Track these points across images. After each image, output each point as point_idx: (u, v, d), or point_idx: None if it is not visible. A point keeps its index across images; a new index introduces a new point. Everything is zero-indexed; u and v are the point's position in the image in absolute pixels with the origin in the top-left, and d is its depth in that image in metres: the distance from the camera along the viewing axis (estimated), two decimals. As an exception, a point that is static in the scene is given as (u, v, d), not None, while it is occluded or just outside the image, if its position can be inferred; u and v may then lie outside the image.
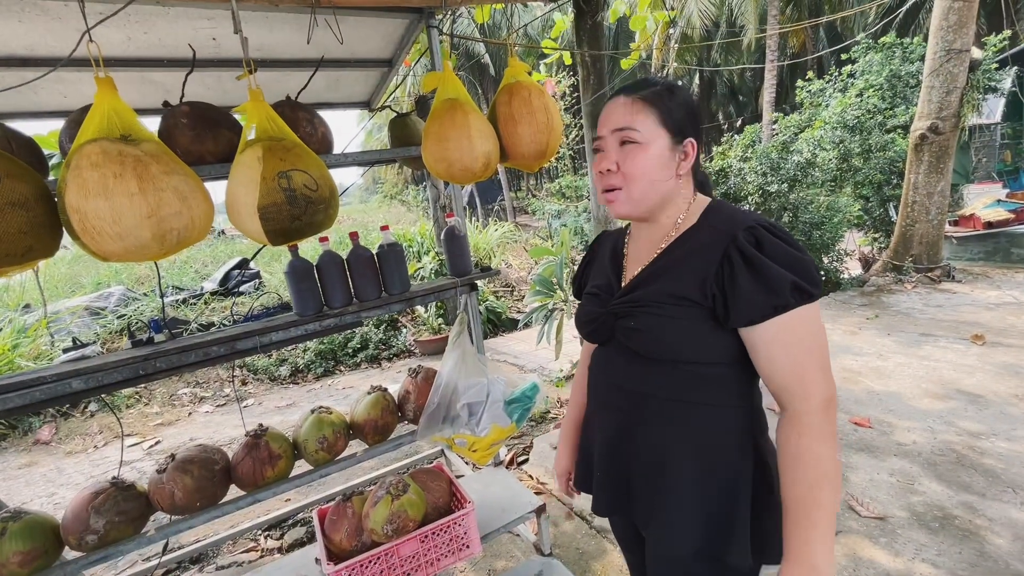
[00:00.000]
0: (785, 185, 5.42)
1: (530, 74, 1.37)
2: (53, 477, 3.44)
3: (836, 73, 7.73)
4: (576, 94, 11.56)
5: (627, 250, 1.04)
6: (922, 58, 6.43)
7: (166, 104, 1.44)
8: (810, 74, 8.19)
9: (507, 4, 1.54)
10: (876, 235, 6.36)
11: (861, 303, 4.98)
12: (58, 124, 2.26)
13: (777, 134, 7.46)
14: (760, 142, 7.31)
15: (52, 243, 0.86)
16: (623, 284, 0.98)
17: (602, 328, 0.98)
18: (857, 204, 6.03)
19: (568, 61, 3.63)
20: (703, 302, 0.83)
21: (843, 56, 7.72)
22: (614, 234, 1.12)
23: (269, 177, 0.87)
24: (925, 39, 5.84)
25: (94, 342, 4.72)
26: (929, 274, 5.41)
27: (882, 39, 7.11)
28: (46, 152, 1.37)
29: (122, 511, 1.41)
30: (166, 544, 2.16)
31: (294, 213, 0.90)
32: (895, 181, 6.10)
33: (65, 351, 1.46)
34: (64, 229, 0.83)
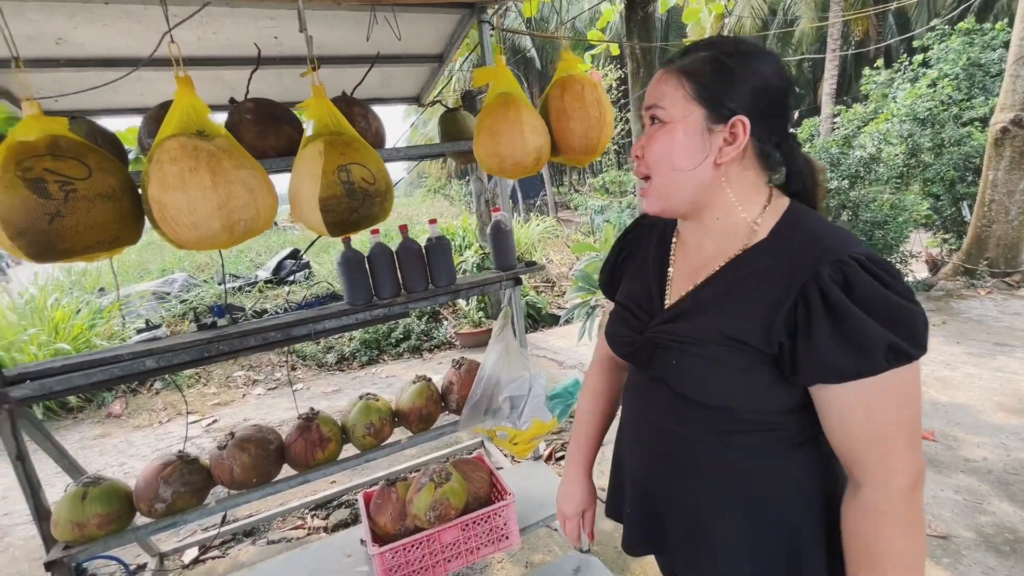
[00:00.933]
0: (846, 182, 5.14)
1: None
2: (123, 448, 3.71)
3: (906, 62, 7.23)
4: (623, 87, 11.35)
5: (675, 253, 0.84)
6: (1005, 45, 5.92)
7: (232, 101, 1.51)
8: (878, 63, 7.69)
9: (560, -3, 1.53)
10: (946, 236, 5.94)
11: (928, 308, 4.67)
12: (133, 120, 2.42)
13: (838, 128, 7.06)
14: (819, 136, 6.95)
15: (136, 231, 0.93)
16: (667, 302, 0.80)
17: (638, 355, 0.82)
18: (925, 202, 5.64)
19: (616, 52, 3.56)
20: (765, 348, 0.67)
21: (914, 44, 7.21)
22: (662, 223, 0.89)
23: (330, 171, 0.90)
24: (1010, 24, 5.37)
25: (159, 325, 5.05)
26: (1006, 279, 5.00)
27: (960, 24, 6.59)
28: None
29: (187, 482, 1.51)
30: (224, 516, 2.30)
31: (352, 205, 0.94)
32: (970, 178, 5.66)
33: (139, 332, 1.57)
34: (146, 218, 0.90)
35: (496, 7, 1.67)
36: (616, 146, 13.64)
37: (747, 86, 0.68)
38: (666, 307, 0.79)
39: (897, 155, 5.80)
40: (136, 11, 1.43)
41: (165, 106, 1.38)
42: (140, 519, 1.51)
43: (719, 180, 0.71)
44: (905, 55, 7.49)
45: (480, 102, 3.57)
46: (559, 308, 6.28)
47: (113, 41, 1.58)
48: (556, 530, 2.15)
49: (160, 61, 1.56)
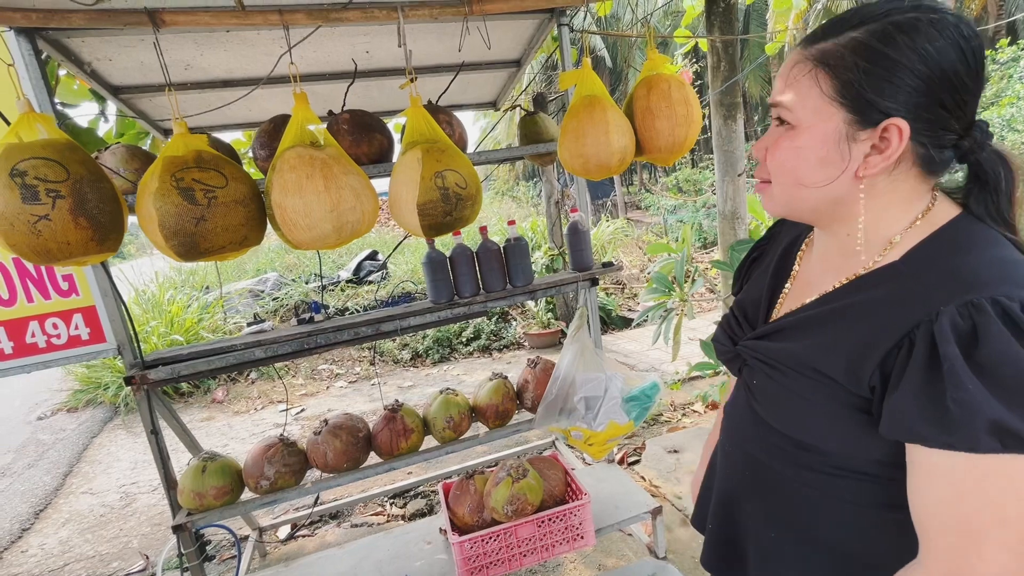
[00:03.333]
0: (960, 174, 4.63)
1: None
2: (225, 431, 4.11)
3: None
4: (699, 82, 10.92)
5: (800, 263, 0.74)
6: None
7: (330, 113, 1.64)
8: (1002, 42, 6.85)
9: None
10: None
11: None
12: (235, 135, 2.67)
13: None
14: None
15: (260, 233, 1.05)
16: (773, 314, 0.73)
17: (732, 364, 0.77)
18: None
19: (705, 47, 3.45)
20: (852, 387, 0.57)
21: (1045, 17, 6.35)
22: (798, 228, 0.79)
23: (427, 177, 0.96)
24: None
25: (265, 319, 5.53)
26: None
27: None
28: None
29: (287, 463, 1.65)
30: (317, 497, 2.48)
31: (447, 209, 0.99)
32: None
33: (249, 324, 1.74)
34: (268, 221, 1.01)
35: (577, 10, 1.69)
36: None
37: (911, 78, 0.52)
38: (771, 320, 0.72)
39: None
40: (251, 37, 1.60)
41: (275, 120, 1.53)
42: (247, 495, 1.67)
43: (858, 193, 0.58)
44: (1033, 31, 6.62)
45: (552, 105, 3.59)
46: (629, 310, 6.16)
47: (231, 64, 1.77)
48: (630, 535, 2.12)
49: (268, 80, 1.73)
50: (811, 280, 0.70)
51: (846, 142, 0.57)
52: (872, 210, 0.60)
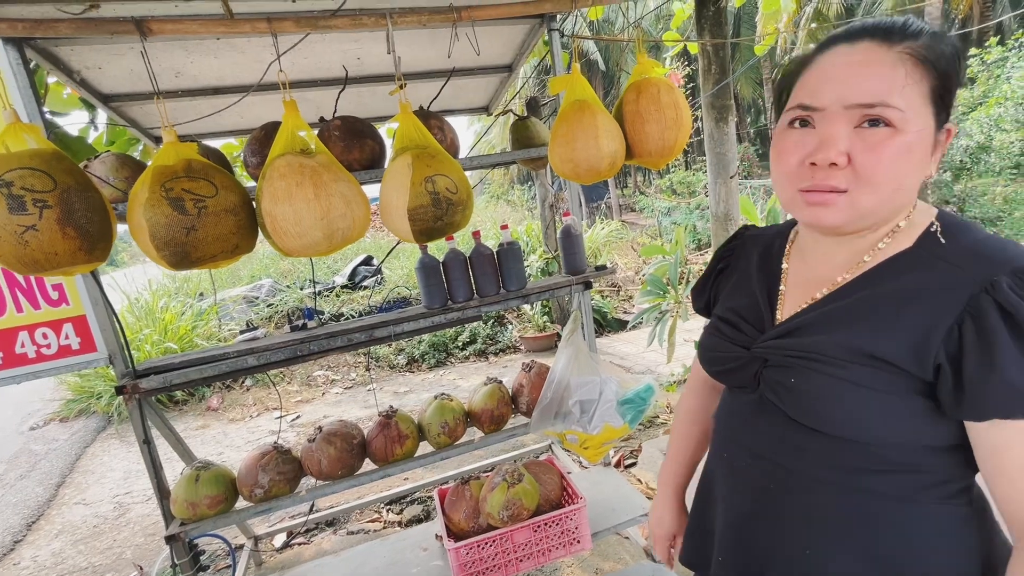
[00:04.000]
0: (948, 174, 4.68)
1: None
2: (220, 439, 4.08)
3: (1023, 38, 6.46)
4: (691, 84, 10.98)
5: (788, 263, 0.74)
6: None
7: (322, 119, 1.64)
8: (991, 41, 6.92)
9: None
10: (1074, 232, 5.22)
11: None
12: (227, 140, 2.66)
13: (937, 115, 6.42)
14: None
15: (251, 241, 1.04)
16: (778, 316, 0.70)
17: (740, 372, 0.72)
18: (1048, 195, 5.00)
19: (694, 50, 3.48)
20: (916, 371, 0.56)
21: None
22: (767, 235, 0.80)
23: (418, 182, 0.97)
24: None
25: (258, 327, 5.51)
26: None
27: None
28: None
29: (281, 471, 1.64)
30: (312, 504, 2.47)
31: (437, 214, 0.99)
32: (1104, 166, 4.97)
33: (242, 332, 1.73)
34: (260, 229, 1.01)
35: (567, 15, 1.69)
36: (686, 146, 13.21)
37: (958, 79, 0.58)
38: (778, 322, 0.70)
39: (1013, 143, 5.19)
40: (241, 43, 1.60)
41: (266, 127, 1.53)
42: (241, 503, 1.66)
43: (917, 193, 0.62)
44: (1021, 31, 6.70)
45: (545, 109, 3.60)
46: (624, 313, 6.17)
47: (222, 71, 1.77)
48: (627, 538, 2.11)
49: (258, 87, 1.73)
50: (814, 276, 0.69)
51: (934, 140, 0.59)
52: (911, 207, 0.64)
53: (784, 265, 0.74)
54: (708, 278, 0.86)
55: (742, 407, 0.74)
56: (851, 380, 0.59)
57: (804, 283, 0.70)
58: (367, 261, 7.43)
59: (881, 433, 0.59)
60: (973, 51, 6.91)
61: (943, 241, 0.59)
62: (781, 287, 0.73)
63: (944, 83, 0.57)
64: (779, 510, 0.68)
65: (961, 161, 4.73)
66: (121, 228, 1.21)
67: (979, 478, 0.61)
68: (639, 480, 2.61)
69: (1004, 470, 0.54)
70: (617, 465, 2.75)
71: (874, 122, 0.56)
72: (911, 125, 0.56)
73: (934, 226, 0.61)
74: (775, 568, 0.69)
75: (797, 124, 0.62)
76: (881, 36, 0.57)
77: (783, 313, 0.71)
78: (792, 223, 0.79)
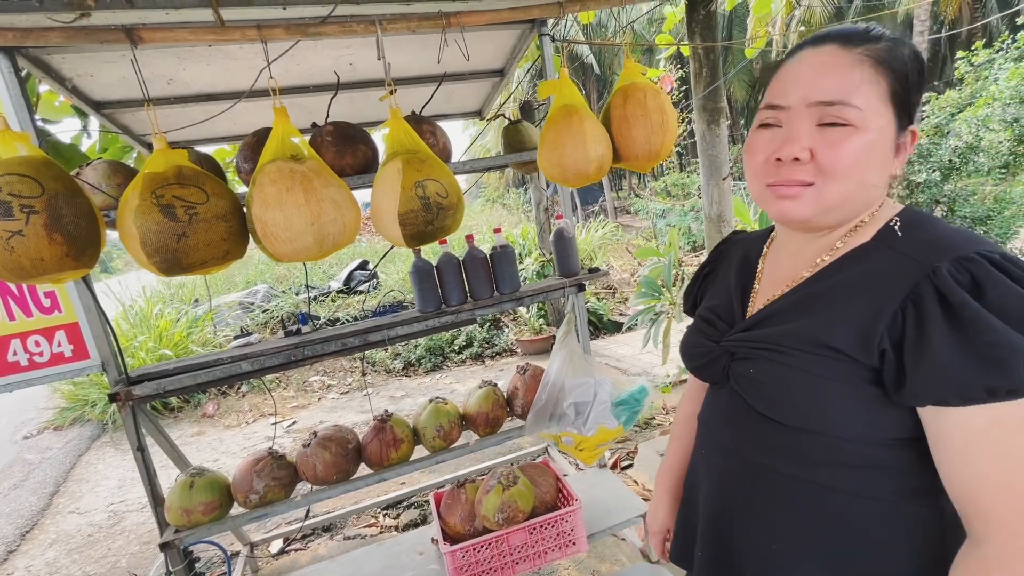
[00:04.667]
0: (937, 174, 4.71)
1: (644, 74, 1.36)
2: (216, 445, 4.06)
3: (1010, 40, 6.53)
4: (684, 87, 11.04)
5: (763, 264, 0.78)
6: None
7: (314, 125, 1.64)
8: (977, 43, 7.00)
9: (621, 4, 1.55)
10: (1063, 230, 5.27)
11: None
12: (220, 147, 2.65)
13: (928, 116, 6.50)
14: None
15: (242, 247, 1.05)
16: (749, 312, 0.74)
17: (712, 366, 0.74)
18: (1037, 194, 5.05)
19: (687, 53, 3.51)
20: (863, 359, 0.57)
21: (1019, 20, 6.51)
22: (749, 239, 0.84)
23: (408, 187, 0.97)
24: None
25: (252, 332, 5.49)
26: None
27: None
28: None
29: (276, 477, 1.63)
30: (308, 510, 2.46)
31: (428, 218, 1.00)
32: (1092, 165, 5.02)
33: (236, 338, 1.73)
34: (250, 235, 1.01)
35: (557, 20, 1.71)
36: (679, 148, 13.29)
37: (921, 84, 0.61)
38: (747, 317, 0.73)
39: (1001, 142, 5.24)
40: (233, 50, 1.60)
41: (258, 133, 1.53)
42: (236, 509, 1.66)
43: (884, 191, 0.64)
44: (1008, 33, 6.78)
45: (537, 113, 3.62)
46: (620, 315, 6.18)
47: (214, 78, 1.77)
48: (624, 540, 2.12)
49: (251, 93, 1.73)
50: (784, 274, 0.71)
51: (895, 140, 0.61)
52: (876, 206, 0.66)
53: (760, 265, 0.77)
54: (696, 282, 0.90)
55: (718, 404, 0.76)
56: (803, 368, 0.61)
57: (775, 280, 0.73)
58: (362, 266, 7.43)
59: (835, 422, 0.60)
60: (960, 53, 6.99)
61: (899, 234, 0.61)
62: (755, 286, 0.76)
63: (903, 85, 0.60)
64: (748, 506, 0.70)
65: (951, 161, 4.77)
66: (115, 235, 1.21)
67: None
68: (635, 482, 2.61)
69: (947, 458, 0.55)
70: (613, 467, 2.75)
71: (833, 122, 0.60)
72: (870, 123, 0.59)
73: (894, 221, 0.63)
74: (749, 565, 0.70)
75: (769, 123, 0.65)
76: (843, 40, 0.61)
77: (753, 309, 0.74)
78: (774, 227, 0.82)
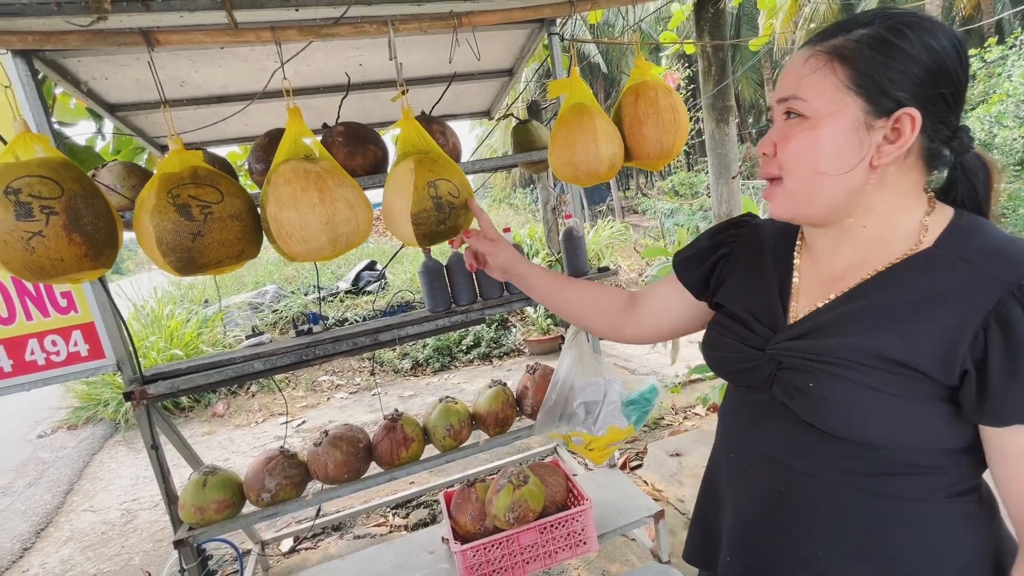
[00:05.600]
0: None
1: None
2: (226, 444, 4.09)
3: (1023, 35, 6.45)
4: (692, 86, 10.99)
5: (799, 260, 0.73)
6: None
7: (325, 125, 1.65)
8: (990, 40, 6.92)
9: (631, 3, 1.55)
10: (1080, 229, 5.19)
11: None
12: (232, 148, 2.67)
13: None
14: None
15: (256, 246, 1.06)
16: (791, 316, 0.69)
17: (752, 373, 0.70)
18: (1052, 192, 4.98)
19: (691, 51, 3.50)
20: (943, 378, 0.55)
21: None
22: (770, 227, 0.79)
23: (420, 187, 0.98)
24: None
25: (263, 332, 5.54)
26: None
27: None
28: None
29: (288, 475, 1.65)
30: (319, 509, 2.47)
31: (440, 218, 1.01)
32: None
33: (247, 338, 1.74)
34: (264, 234, 1.02)
35: (567, 19, 1.71)
36: (687, 147, 13.23)
37: (918, 69, 0.56)
38: (791, 322, 0.69)
39: (1015, 139, 5.17)
40: (245, 52, 1.62)
41: (270, 135, 1.54)
42: (248, 508, 1.67)
43: (870, 184, 0.60)
44: (1021, 29, 6.69)
45: (545, 112, 3.62)
46: (628, 315, 6.15)
47: (226, 80, 1.79)
48: (634, 539, 2.11)
49: (263, 94, 1.75)
50: (827, 275, 0.68)
51: (863, 130, 0.58)
52: (887, 200, 0.62)
53: (796, 261, 0.73)
54: (705, 257, 0.83)
55: (750, 407, 0.73)
56: (872, 386, 0.58)
57: (817, 281, 0.69)
58: (370, 266, 7.45)
59: (900, 438, 0.58)
60: (973, 51, 6.90)
61: (962, 242, 0.59)
62: (793, 284, 0.71)
63: (870, 70, 0.57)
64: (791, 512, 0.67)
65: (964, 159, 4.71)
66: (127, 236, 1.23)
67: (986, 475, 0.62)
68: (645, 482, 2.61)
69: (1012, 474, 0.56)
70: (623, 467, 2.75)
71: (791, 114, 0.62)
72: (820, 112, 0.59)
73: (953, 226, 0.61)
74: (788, 569, 0.68)
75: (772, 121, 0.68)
76: (813, 39, 0.63)
77: (797, 313, 0.69)
78: None
